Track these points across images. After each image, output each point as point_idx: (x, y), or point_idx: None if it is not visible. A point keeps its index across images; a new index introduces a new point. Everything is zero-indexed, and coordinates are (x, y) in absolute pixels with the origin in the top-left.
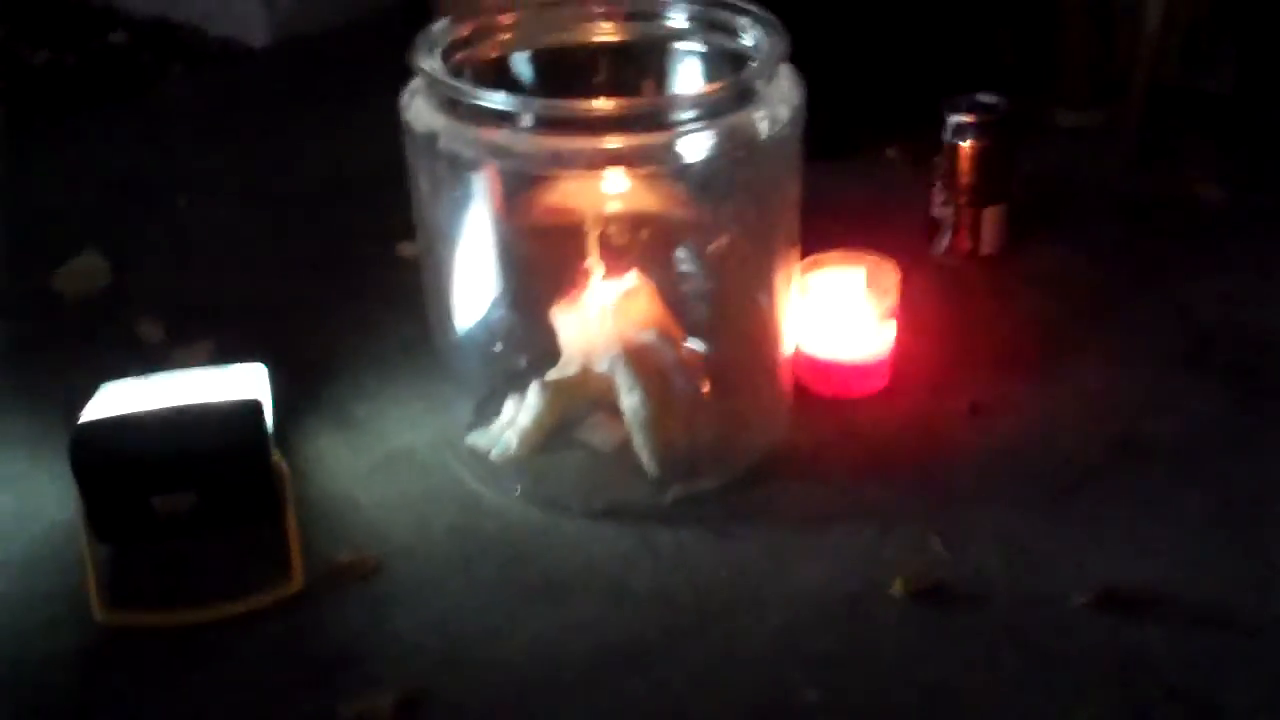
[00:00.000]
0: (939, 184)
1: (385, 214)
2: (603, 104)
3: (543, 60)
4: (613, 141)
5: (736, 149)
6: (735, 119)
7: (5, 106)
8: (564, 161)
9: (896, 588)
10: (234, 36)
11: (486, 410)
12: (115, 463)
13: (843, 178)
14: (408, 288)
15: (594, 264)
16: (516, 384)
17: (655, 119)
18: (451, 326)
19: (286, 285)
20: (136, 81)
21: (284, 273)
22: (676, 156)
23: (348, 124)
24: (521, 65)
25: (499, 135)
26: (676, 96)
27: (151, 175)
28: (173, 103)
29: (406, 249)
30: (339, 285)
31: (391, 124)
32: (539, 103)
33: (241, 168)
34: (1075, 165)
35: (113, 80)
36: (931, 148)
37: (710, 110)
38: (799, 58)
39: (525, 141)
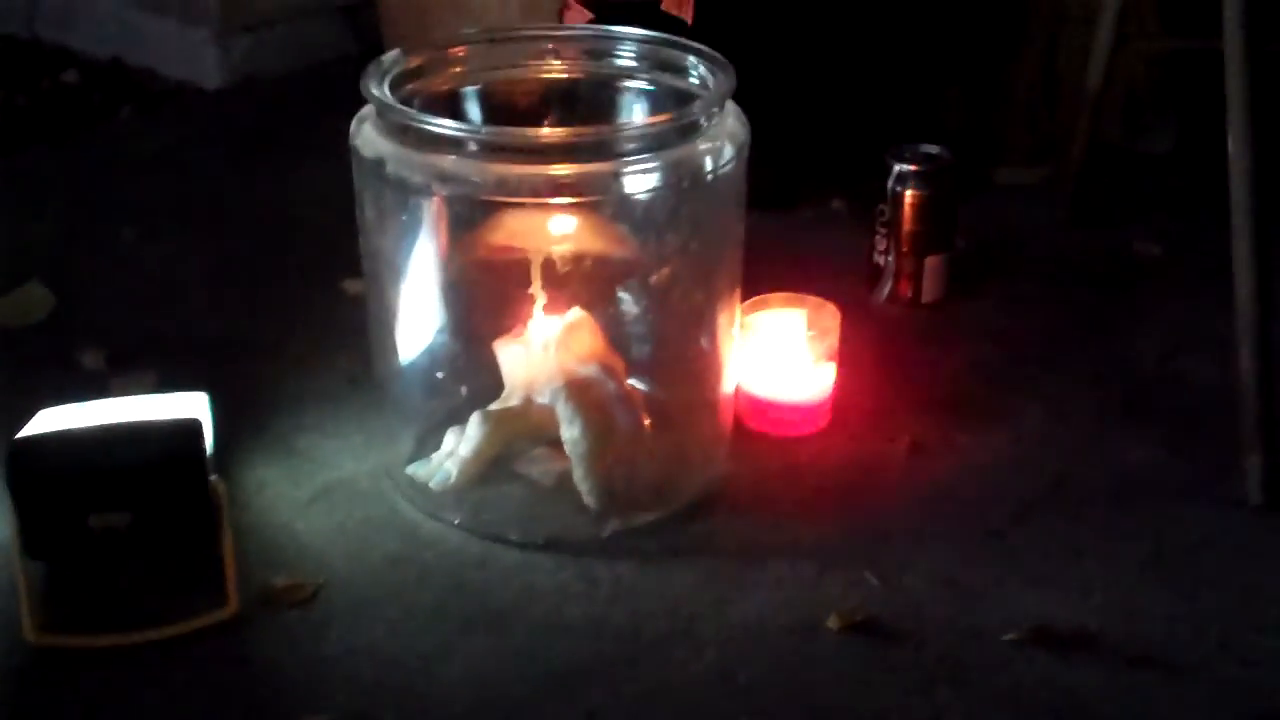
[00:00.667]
0: (882, 232)
1: (332, 251)
2: (549, 132)
3: (492, 95)
4: (559, 169)
5: (680, 182)
6: (680, 152)
7: None
8: (510, 188)
9: (832, 622)
10: (187, 79)
11: (427, 441)
12: (51, 478)
13: (788, 227)
14: (352, 324)
15: (537, 296)
16: (457, 415)
17: (601, 149)
18: (394, 354)
19: (231, 320)
20: (86, 120)
21: (229, 307)
22: (621, 186)
23: (298, 165)
24: (471, 99)
25: (446, 161)
26: (622, 127)
27: (99, 210)
28: (123, 141)
29: (352, 286)
30: (284, 320)
31: (341, 165)
32: (486, 129)
33: (190, 204)
34: (1016, 220)
35: (63, 119)
36: (876, 200)
37: (655, 142)
38: (748, 109)
39: (472, 167)
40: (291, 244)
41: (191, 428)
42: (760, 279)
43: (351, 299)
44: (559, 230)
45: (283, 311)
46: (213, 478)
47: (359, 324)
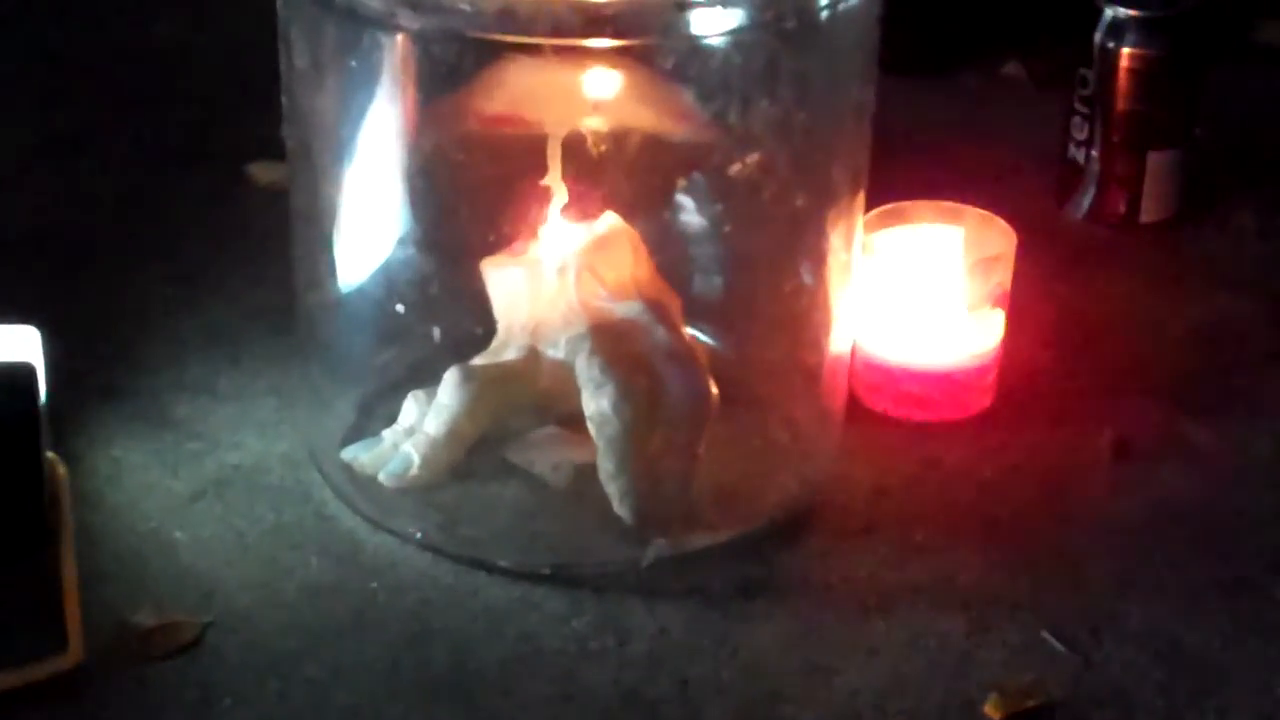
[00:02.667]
0: (1082, 112)
1: (234, 120)
2: None
3: None
4: None
5: (779, 21)
6: None
7: None
8: (517, 23)
9: (992, 707)
10: None
11: (375, 411)
12: None
13: (937, 102)
14: (263, 229)
15: (554, 193)
16: (423, 371)
17: None
18: (330, 277)
19: (79, 217)
20: None
21: (76, 199)
22: (686, 24)
23: None
24: None
25: None
26: None
27: None
28: None
29: (263, 173)
30: (158, 221)
31: None
32: None
33: (21, 43)
34: None
35: None
36: (1074, 63)
37: None
38: None
39: None
40: (173, 107)
41: (17, 376)
42: (895, 179)
43: (263, 192)
44: (591, 92)
45: (157, 209)
46: (48, 456)
47: (274, 230)
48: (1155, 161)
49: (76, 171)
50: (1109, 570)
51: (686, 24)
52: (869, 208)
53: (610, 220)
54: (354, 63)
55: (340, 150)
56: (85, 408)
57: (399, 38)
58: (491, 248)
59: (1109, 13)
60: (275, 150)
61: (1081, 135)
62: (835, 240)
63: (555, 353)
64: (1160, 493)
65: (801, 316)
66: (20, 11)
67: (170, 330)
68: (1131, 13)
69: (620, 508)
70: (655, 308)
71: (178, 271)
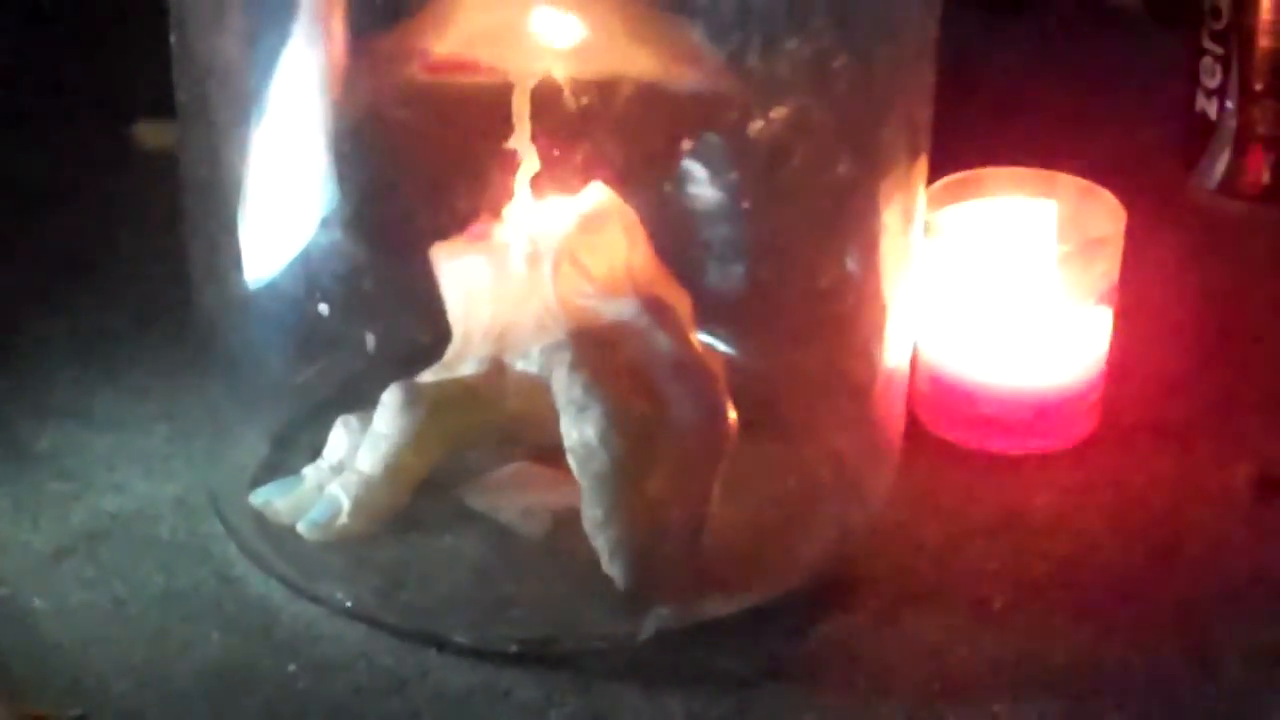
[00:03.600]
0: (1213, 53)
1: (113, 68)
2: None
3: None
4: None
5: None
6: None
7: None
8: None
9: None
10: None
11: (293, 442)
12: None
13: (1024, 39)
14: (148, 206)
15: (522, 158)
16: (355, 391)
17: None
18: (234, 269)
19: None
20: None
21: None
22: None
23: None
24: None
25: None
26: None
27: None
28: None
29: (150, 134)
30: (17, 196)
31: None
32: None
33: None
34: None
35: None
36: None
37: None
38: None
39: None
40: (27, 51)
41: None
42: (967, 139)
43: (150, 157)
44: (568, 28)
45: (17, 181)
46: None
47: (164, 206)
48: None
49: None
50: (1251, 646)
51: None
52: (933, 177)
53: (597, 194)
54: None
55: (247, 104)
56: None
57: None
58: (443, 231)
59: None
60: (165, 106)
61: (1213, 82)
62: (889, 219)
63: (526, 365)
64: None
65: (846, 318)
66: None
67: (29, 338)
68: None
69: (611, 566)
70: (656, 307)
71: (41, 261)
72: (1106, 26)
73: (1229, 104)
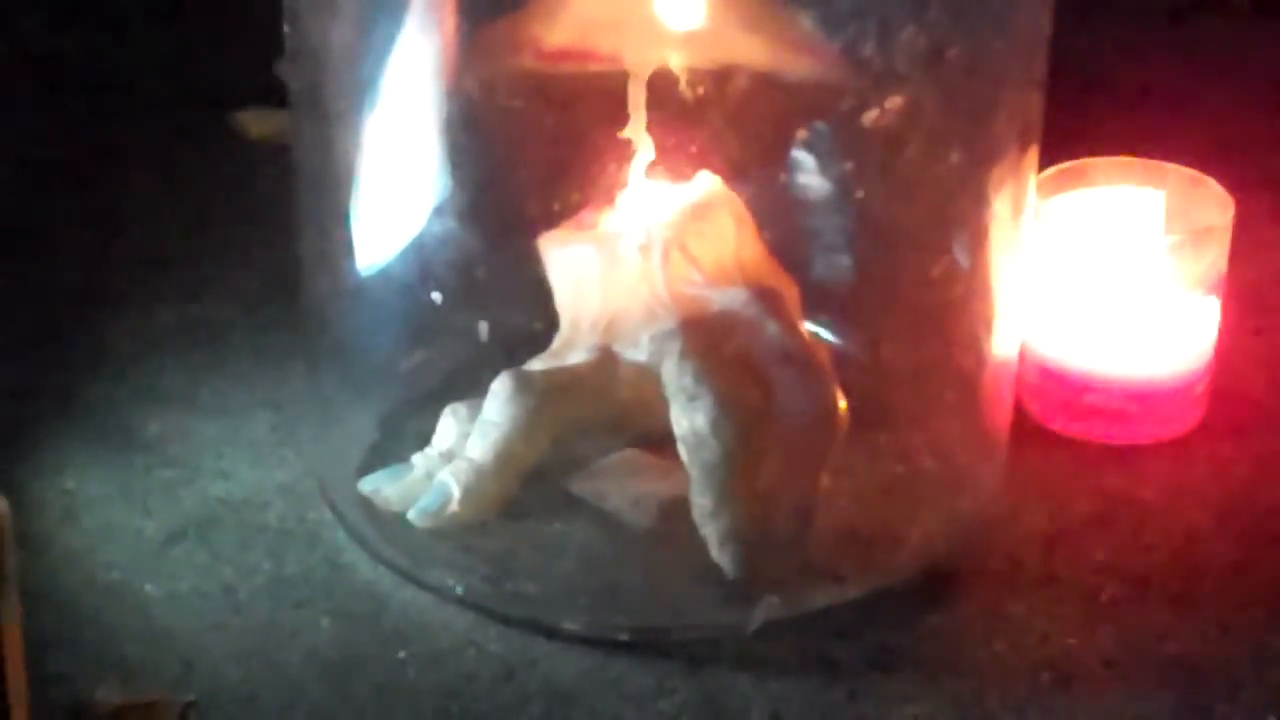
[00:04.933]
0: None
1: (214, 57)
2: None
3: None
4: None
5: None
6: None
7: None
8: None
9: None
10: None
11: (402, 430)
12: None
13: (1133, 29)
14: (254, 195)
15: (636, 148)
16: (465, 379)
17: None
18: (345, 257)
19: (17, 188)
20: None
21: (19, 154)
22: None
23: None
24: None
25: None
26: None
27: None
28: None
29: (256, 122)
30: (122, 189)
31: None
32: None
33: None
34: None
35: None
36: None
37: None
38: None
39: None
40: (132, 40)
41: None
42: (1077, 129)
43: (256, 147)
44: (684, 17)
45: (119, 171)
46: None
47: (272, 197)
48: None
49: (10, 123)
50: None
51: None
52: (1043, 166)
53: (708, 184)
54: None
55: (359, 94)
56: (31, 426)
57: None
58: (554, 219)
59: None
60: (272, 94)
61: None
62: (999, 208)
63: (636, 355)
64: None
65: (955, 308)
66: None
67: (138, 326)
68: None
69: (720, 555)
70: (765, 297)
71: (147, 251)
72: (1212, 16)
73: None
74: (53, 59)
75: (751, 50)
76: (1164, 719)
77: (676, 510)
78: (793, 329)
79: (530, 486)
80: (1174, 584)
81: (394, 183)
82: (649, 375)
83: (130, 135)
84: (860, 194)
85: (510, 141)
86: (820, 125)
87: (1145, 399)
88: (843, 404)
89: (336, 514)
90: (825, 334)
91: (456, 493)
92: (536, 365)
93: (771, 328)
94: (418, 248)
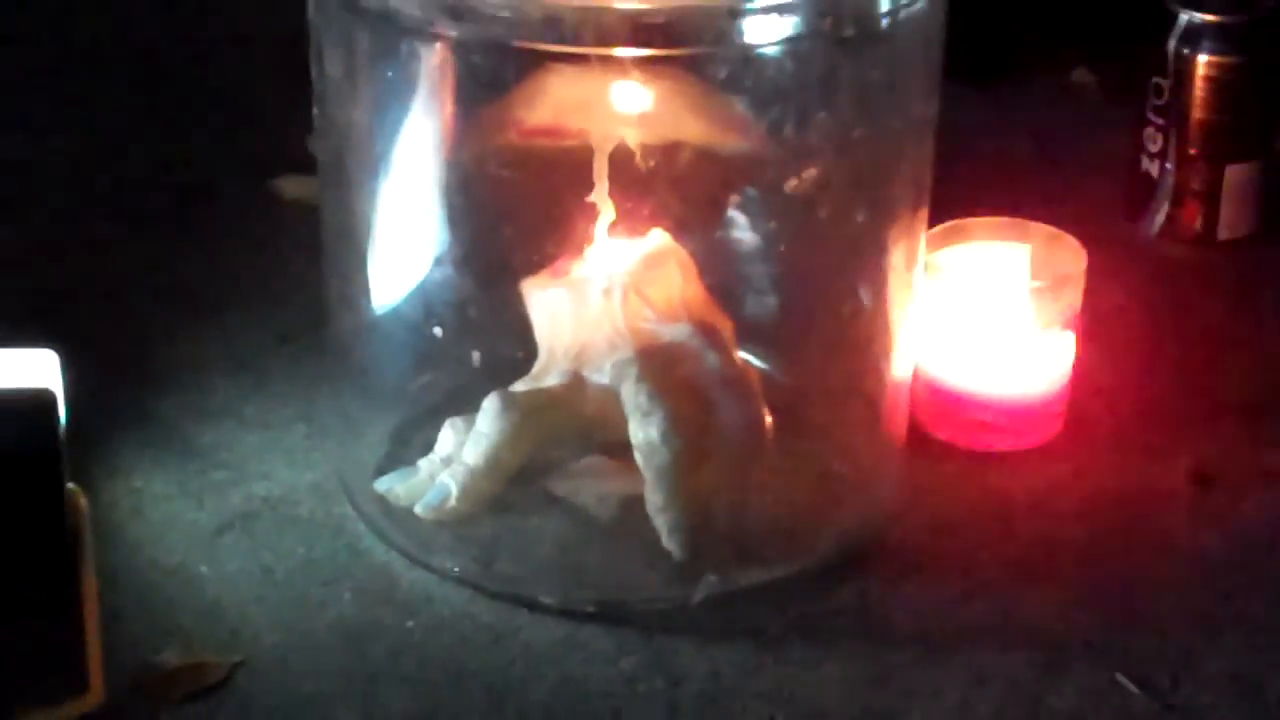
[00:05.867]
0: (1155, 124)
1: (259, 130)
2: None
3: None
4: (640, 3)
5: (836, 28)
6: None
7: None
8: (560, 31)
9: None
10: None
11: (410, 439)
12: None
13: (1003, 111)
14: (289, 247)
15: (600, 209)
16: (462, 398)
17: None
18: (363, 298)
19: (96, 239)
20: None
21: (93, 215)
22: (739, 32)
23: None
24: None
25: None
26: None
27: None
28: None
29: (291, 186)
30: (178, 238)
31: None
32: None
33: (29, 54)
34: None
35: None
36: (1148, 71)
37: None
38: None
39: None
40: (193, 116)
41: (37, 405)
42: (958, 194)
43: (290, 207)
44: (639, 103)
45: (178, 225)
46: (68, 487)
47: (305, 248)
48: (1233, 175)
49: (92, 186)
50: (1188, 609)
51: (740, 32)
52: (931, 224)
53: (658, 238)
54: (390, 72)
55: (374, 164)
56: (105, 435)
57: (437, 46)
58: (533, 267)
59: (1184, 18)
60: (304, 164)
61: (1155, 147)
62: (896, 259)
63: (600, 378)
64: (1243, 526)
65: (860, 340)
66: (31, 12)
67: (194, 353)
68: (1208, 18)
69: (669, 542)
70: (706, 331)
71: (202, 291)
72: (1068, 100)
73: (1168, 165)
74: (128, 130)
75: (693, 129)
76: (1028, 678)
77: (633, 505)
78: (728, 357)
79: (514, 486)
80: (1038, 564)
81: (402, 237)
82: (611, 395)
83: (191, 197)
84: (782, 247)
85: (498, 203)
86: (750, 190)
87: (1014, 414)
88: (769, 418)
89: (356, 508)
90: (755, 361)
91: (455, 491)
92: (519, 387)
93: (711, 356)
94: (422, 290)
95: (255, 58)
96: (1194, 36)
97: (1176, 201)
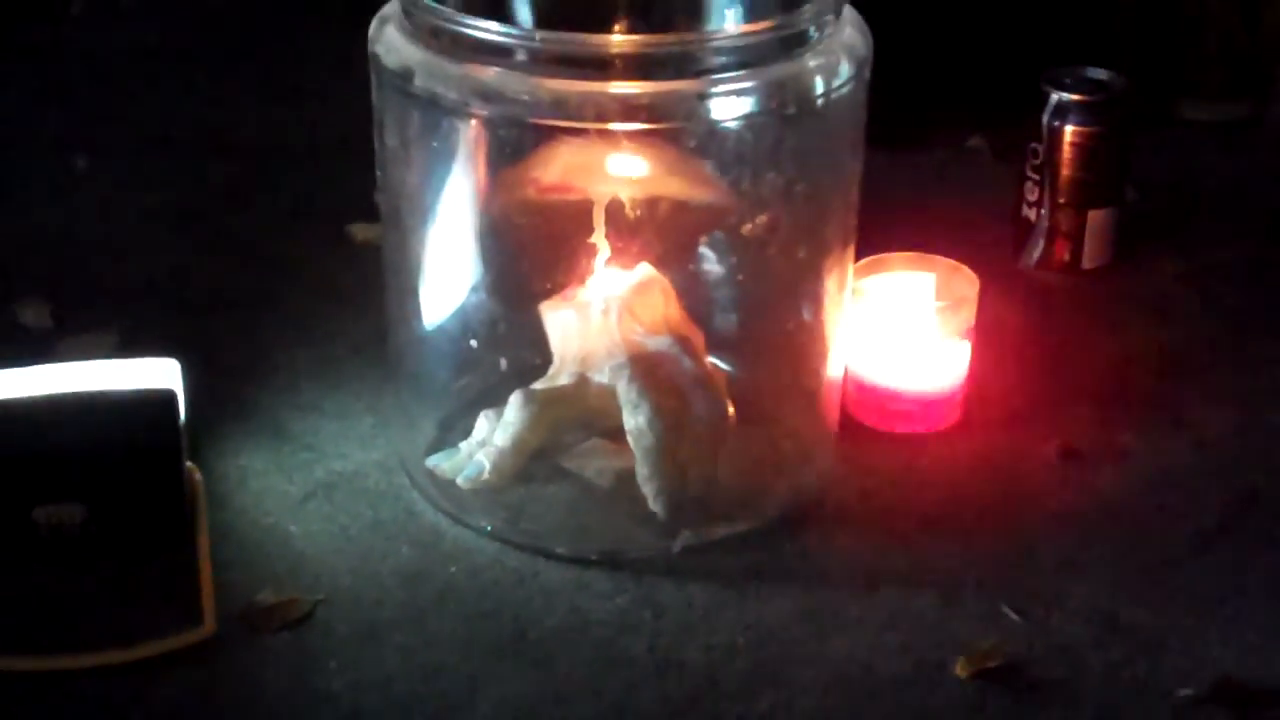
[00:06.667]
0: (1033, 178)
1: (337, 187)
2: (618, 40)
3: None
4: (629, 87)
5: (783, 107)
6: (783, 69)
7: None
8: (568, 110)
9: (960, 668)
10: None
11: (454, 427)
12: None
13: (914, 171)
14: (360, 278)
15: (599, 248)
16: (493, 395)
17: (683, 63)
18: (416, 317)
19: (210, 270)
20: (30, 13)
21: (207, 255)
22: (707, 111)
23: (295, 77)
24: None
25: (489, 74)
26: (711, 35)
27: (44, 130)
28: (75, 42)
29: (361, 231)
30: (275, 272)
31: (351, 78)
32: (539, 34)
33: (159, 125)
34: (1204, 167)
35: (2, 14)
36: (1025, 137)
37: (752, 56)
38: (870, 18)
39: (521, 82)
40: (286, 177)
41: (162, 401)
42: (879, 234)
43: (360, 246)
44: (628, 166)
45: (273, 261)
46: (187, 465)
47: (370, 278)
48: (1094, 218)
49: (211, 229)
50: (1057, 554)
51: (707, 110)
52: (857, 258)
53: (645, 270)
54: (435, 143)
55: (424, 214)
56: (217, 425)
57: (472, 122)
58: (548, 293)
59: (1055, 97)
60: (371, 213)
61: (1033, 197)
62: (830, 285)
63: (600, 378)
64: (1099, 490)
65: (802, 347)
66: (168, 94)
67: (286, 360)
68: (1073, 97)
69: (654, 505)
70: (682, 341)
71: (292, 312)
72: (965, 161)
73: (1043, 211)
74: (240, 188)
75: (671, 187)
76: (933, 609)
77: (627, 476)
78: (700, 362)
79: (534, 462)
80: (941, 521)
81: (445, 270)
82: (609, 391)
83: (286, 239)
84: (741, 276)
85: (519, 244)
86: (716, 233)
87: (925, 404)
88: (731, 409)
89: (411, 480)
90: (721, 364)
91: (488, 466)
92: (538, 386)
93: (686, 361)
94: (461, 312)
95: (334, 132)
96: (1063, 111)
97: (1049, 240)
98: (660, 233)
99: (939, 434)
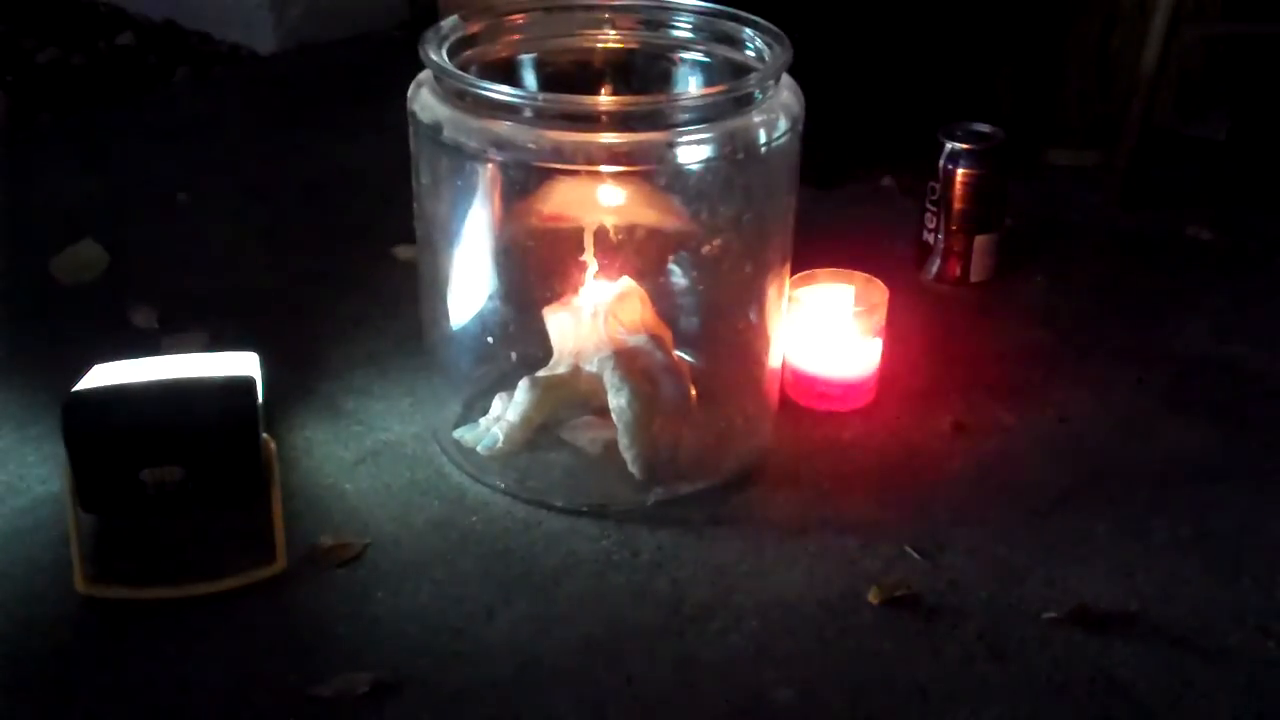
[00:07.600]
0: (932, 210)
1: (384, 217)
2: (605, 101)
3: (548, 63)
4: (613, 138)
5: (734, 153)
6: (734, 124)
7: (9, 99)
8: (564, 156)
9: (873, 596)
10: (242, 42)
11: (474, 406)
12: (106, 432)
13: (837, 204)
14: (402, 289)
15: (589, 265)
16: (505, 381)
17: (655, 118)
18: (445, 320)
19: (282, 281)
20: (142, 82)
21: (281, 269)
22: (674, 156)
23: (351, 130)
24: (527, 66)
25: (502, 127)
26: (677, 97)
27: (153, 172)
28: (178, 104)
29: (403, 252)
30: (334, 283)
31: (394, 131)
32: (542, 96)
33: (243, 167)
34: (1067, 201)
35: (119, 80)
36: (926, 177)
37: (710, 113)
38: (802, 83)
39: (527, 134)
40: (344, 209)
41: (244, 385)
42: (809, 254)
43: (402, 264)
44: (612, 199)
45: (334, 276)
46: (263, 436)
47: (410, 289)
48: (980, 242)
49: (284, 248)
50: (950, 507)
51: (675, 156)
52: (793, 273)
53: (626, 282)
54: (459, 182)
55: (451, 239)
56: (287, 404)
57: (489, 166)
58: (549, 300)
59: (949, 145)
60: (411, 237)
61: (932, 225)
62: (771, 294)
63: (591, 368)
64: (983, 457)
65: (750, 343)
66: (250, 144)
67: (343, 354)
68: (963, 145)
69: (633, 468)
70: (656, 338)
71: (347, 316)
72: (878, 196)
73: (940, 236)
74: (307, 218)
75: (646, 216)
76: (852, 550)
77: (612, 446)
78: (669, 355)
79: (539, 434)
80: (858, 480)
81: (468, 283)
82: (598, 378)
83: (342, 258)
84: (701, 287)
85: (527, 261)
86: (682, 253)
87: (846, 388)
88: (694, 392)
89: (442, 448)
90: (686, 356)
91: (501, 437)
92: (541, 374)
93: (659, 354)
94: (480, 315)
95: (382, 172)
96: (955, 157)
97: (944, 258)
98: (638, 252)
99: (857, 412)
